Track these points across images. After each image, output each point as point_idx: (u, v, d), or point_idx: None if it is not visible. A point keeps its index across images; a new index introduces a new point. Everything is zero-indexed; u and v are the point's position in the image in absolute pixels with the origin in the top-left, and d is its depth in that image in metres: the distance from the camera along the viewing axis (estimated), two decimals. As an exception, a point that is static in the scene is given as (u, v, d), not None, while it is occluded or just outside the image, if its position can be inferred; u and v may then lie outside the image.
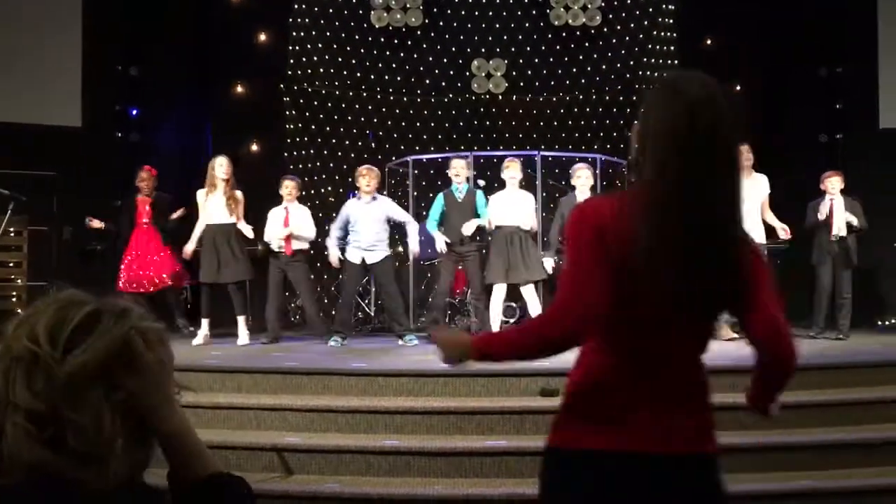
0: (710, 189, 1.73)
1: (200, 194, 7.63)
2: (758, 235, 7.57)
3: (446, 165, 8.03)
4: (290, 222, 7.66)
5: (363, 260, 7.52)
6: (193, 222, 7.77)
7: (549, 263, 7.63)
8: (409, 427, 4.96)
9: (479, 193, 7.78)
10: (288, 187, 7.77)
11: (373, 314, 9.64)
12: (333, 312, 8.51)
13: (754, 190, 7.60)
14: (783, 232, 7.72)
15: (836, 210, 7.80)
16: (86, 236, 9.23)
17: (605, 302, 1.75)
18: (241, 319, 7.63)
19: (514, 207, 7.52)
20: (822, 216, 7.80)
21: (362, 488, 4.49)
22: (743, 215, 1.79)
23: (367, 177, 7.54)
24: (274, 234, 7.67)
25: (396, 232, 10.28)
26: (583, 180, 7.51)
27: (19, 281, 9.02)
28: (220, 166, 7.55)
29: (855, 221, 7.73)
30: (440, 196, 7.82)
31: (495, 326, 7.52)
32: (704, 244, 1.73)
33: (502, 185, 7.84)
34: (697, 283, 1.73)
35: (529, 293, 7.49)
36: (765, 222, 7.72)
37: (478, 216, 7.60)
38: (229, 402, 5.28)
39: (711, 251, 1.73)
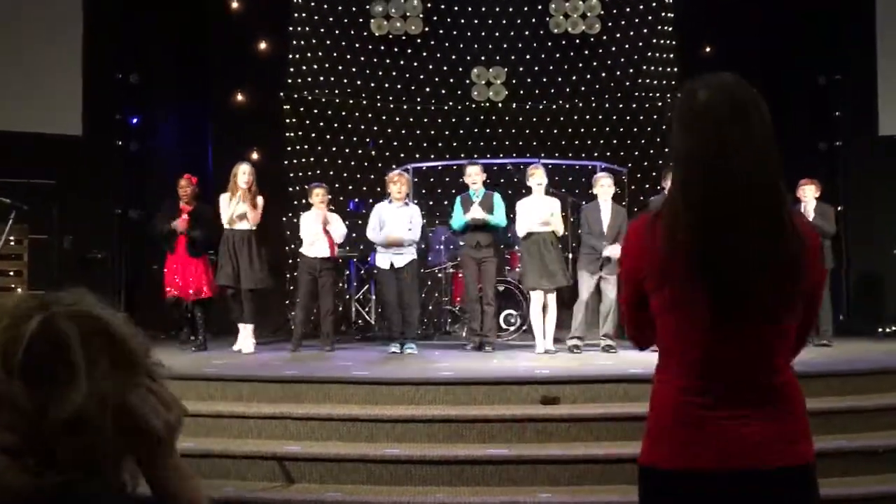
0: (728, 193, 1.69)
1: (223, 199, 7.67)
2: None
3: (447, 173, 8.09)
4: (330, 227, 7.76)
5: (392, 264, 7.59)
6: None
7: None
8: (410, 435, 4.96)
9: (497, 196, 7.82)
10: (319, 194, 7.86)
11: (373, 322, 9.64)
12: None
13: None
14: None
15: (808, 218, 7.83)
16: (86, 245, 9.24)
17: (643, 323, 1.86)
18: (249, 328, 7.63)
19: (543, 213, 7.53)
20: None
21: (364, 497, 4.49)
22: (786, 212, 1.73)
23: (398, 183, 7.69)
24: (313, 234, 7.72)
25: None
26: (605, 188, 7.62)
27: (20, 289, 9.01)
28: (243, 174, 7.60)
29: (825, 227, 7.69)
30: (458, 200, 7.95)
31: (538, 334, 7.48)
32: (730, 247, 1.68)
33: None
34: (732, 288, 1.68)
35: (550, 299, 7.50)
36: None
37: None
38: (230, 410, 5.27)
39: (738, 254, 1.68)
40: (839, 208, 8.60)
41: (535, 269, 7.43)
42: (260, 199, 7.68)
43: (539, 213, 7.49)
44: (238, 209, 7.54)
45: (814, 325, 1.84)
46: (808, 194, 7.91)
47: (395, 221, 7.61)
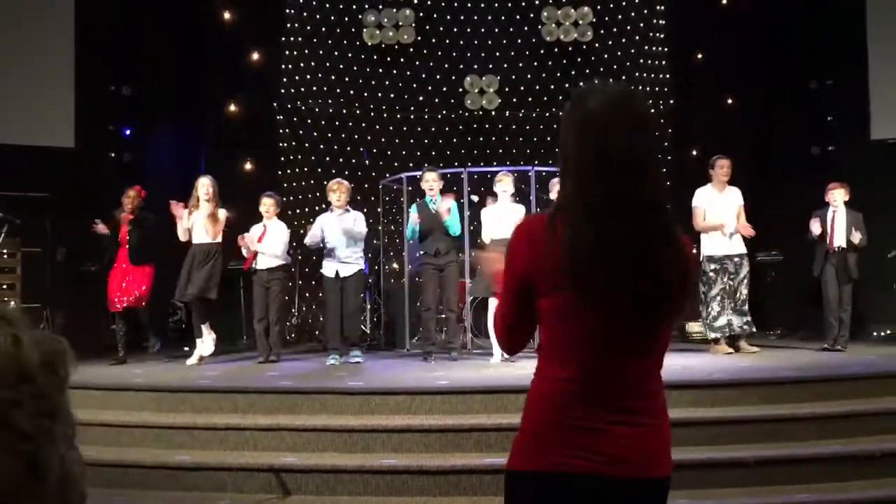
0: (627, 202, 1.73)
1: (185, 213, 7.64)
2: (738, 246, 7.63)
3: (441, 181, 8.06)
4: (264, 240, 7.67)
5: (337, 273, 7.53)
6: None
7: None
8: (407, 445, 4.95)
9: (453, 205, 7.80)
10: (266, 205, 7.77)
11: (369, 331, 9.62)
12: (317, 332, 8.47)
13: (729, 203, 7.65)
14: (744, 229, 7.63)
15: (837, 222, 7.82)
16: (80, 257, 9.21)
17: (525, 324, 1.86)
18: (203, 327, 7.59)
19: (507, 221, 7.52)
20: (815, 231, 7.81)
21: (360, 508, 4.47)
22: (669, 220, 1.78)
23: (337, 191, 7.61)
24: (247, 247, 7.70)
25: (391, 249, 10.32)
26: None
27: (13, 303, 8.98)
28: (202, 186, 7.60)
29: (856, 239, 7.70)
30: (413, 207, 7.88)
31: (495, 343, 7.52)
32: (629, 253, 1.72)
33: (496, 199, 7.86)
34: (629, 292, 1.71)
35: None
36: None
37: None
38: (225, 422, 5.25)
39: (637, 259, 1.72)
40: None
41: (484, 278, 7.41)
42: (222, 212, 7.62)
43: (504, 220, 7.49)
44: (202, 223, 7.49)
45: (684, 312, 1.91)
46: (839, 198, 7.83)
47: (336, 230, 7.52)
